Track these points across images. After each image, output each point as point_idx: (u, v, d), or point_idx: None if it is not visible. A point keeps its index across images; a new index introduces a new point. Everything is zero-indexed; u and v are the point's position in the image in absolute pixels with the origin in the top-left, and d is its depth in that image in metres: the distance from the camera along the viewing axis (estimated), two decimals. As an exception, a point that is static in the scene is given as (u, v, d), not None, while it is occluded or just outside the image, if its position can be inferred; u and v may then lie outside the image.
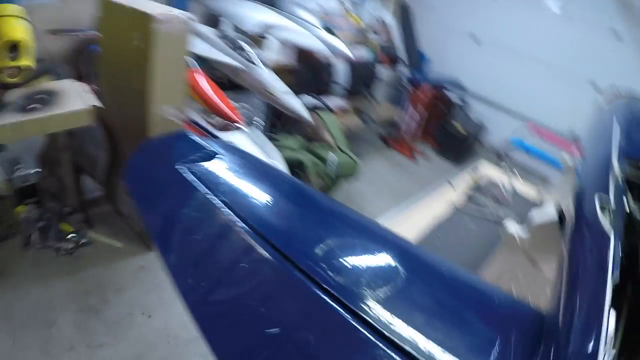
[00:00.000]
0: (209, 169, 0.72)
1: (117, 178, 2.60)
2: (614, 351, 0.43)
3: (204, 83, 2.70)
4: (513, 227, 1.37)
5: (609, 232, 0.61)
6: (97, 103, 2.27)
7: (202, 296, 0.60)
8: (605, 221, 0.67)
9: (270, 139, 3.59)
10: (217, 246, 0.65)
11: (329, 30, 3.88)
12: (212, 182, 0.72)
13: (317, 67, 4.29)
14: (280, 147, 3.46)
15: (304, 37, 3.67)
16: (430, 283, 0.65)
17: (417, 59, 5.66)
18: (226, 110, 2.73)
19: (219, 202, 0.69)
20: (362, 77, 4.84)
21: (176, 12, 2.15)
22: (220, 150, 0.76)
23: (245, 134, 2.93)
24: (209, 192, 0.70)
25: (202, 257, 0.64)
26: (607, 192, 0.80)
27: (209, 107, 2.73)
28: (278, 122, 3.92)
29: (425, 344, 0.53)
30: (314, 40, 3.66)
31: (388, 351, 0.53)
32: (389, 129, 5.63)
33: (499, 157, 3.58)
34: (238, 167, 0.78)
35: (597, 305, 0.49)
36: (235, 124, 2.81)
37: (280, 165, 2.95)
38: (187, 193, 0.71)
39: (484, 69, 5.62)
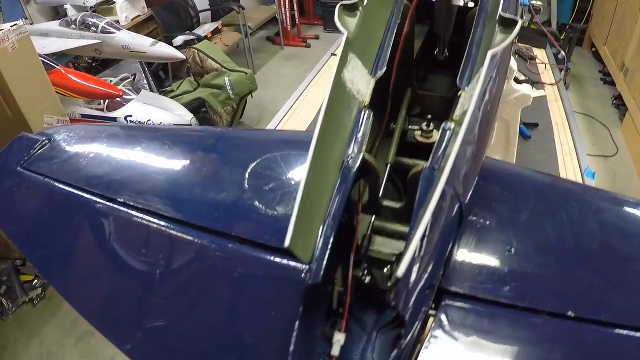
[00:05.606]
0: (51, 157, 0.59)
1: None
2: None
3: (70, 77, 2.76)
4: None
5: None
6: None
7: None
8: None
9: (165, 93, 3.73)
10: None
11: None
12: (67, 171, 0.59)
13: (172, 3, 4.27)
14: (176, 97, 3.61)
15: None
16: None
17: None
18: (105, 89, 2.83)
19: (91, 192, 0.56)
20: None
21: (6, 26, 2.15)
22: (62, 134, 0.62)
23: (137, 101, 3.07)
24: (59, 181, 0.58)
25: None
26: None
27: (87, 95, 2.83)
28: (164, 75, 4.00)
29: None
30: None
31: None
32: (272, 28, 5.69)
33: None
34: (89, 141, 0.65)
35: None
36: (122, 97, 2.94)
37: (183, 113, 3.14)
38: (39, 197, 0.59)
39: None
